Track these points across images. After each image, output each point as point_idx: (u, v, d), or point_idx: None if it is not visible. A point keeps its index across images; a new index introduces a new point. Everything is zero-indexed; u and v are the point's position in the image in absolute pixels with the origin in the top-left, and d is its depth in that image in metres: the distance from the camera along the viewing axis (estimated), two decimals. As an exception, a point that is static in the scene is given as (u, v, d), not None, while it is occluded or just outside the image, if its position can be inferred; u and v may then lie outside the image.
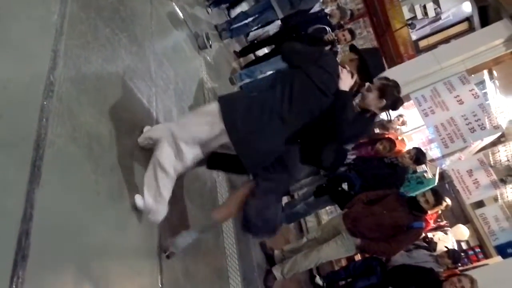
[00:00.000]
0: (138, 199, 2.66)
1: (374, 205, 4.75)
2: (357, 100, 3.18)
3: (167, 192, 2.67)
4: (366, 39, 12.43)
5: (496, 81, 9.96)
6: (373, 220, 4.56)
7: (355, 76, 2.85)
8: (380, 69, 2.99)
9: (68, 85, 2.45)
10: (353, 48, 3.04)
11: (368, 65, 2.85)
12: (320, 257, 4.74)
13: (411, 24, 12.21)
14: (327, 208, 6.97)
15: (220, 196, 4.29)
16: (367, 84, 3.07)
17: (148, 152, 3.01)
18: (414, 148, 5.63)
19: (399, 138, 6.93)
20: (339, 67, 2.81)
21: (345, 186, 5.15)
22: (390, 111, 2.98)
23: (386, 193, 4.87)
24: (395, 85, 3.17)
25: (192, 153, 2.70)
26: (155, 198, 2.64)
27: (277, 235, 5.60)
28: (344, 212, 4.90)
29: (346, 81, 2.77)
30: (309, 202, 5.59)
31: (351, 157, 5.83)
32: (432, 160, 8.84)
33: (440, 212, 6.61)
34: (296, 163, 2.92)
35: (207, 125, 2.66)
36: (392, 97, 3.09)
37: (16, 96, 2.06)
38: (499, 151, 9.63)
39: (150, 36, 4.11)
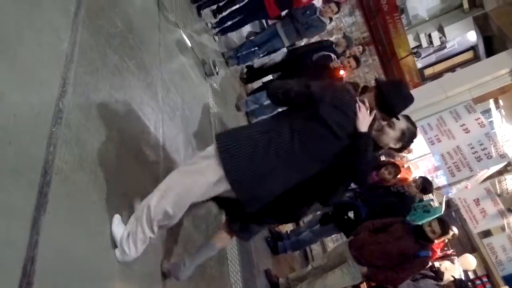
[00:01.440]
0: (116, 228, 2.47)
1: (380, 233, 4.71)
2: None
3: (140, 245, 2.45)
4: (371, 67, 12.53)
5: (502, 110, 9.98)
6: (379, 248, 4.52)
7: (374, 111, 2.54)
8: (404, 101, 2.60)
9: (77, 112, 2.48)
10: (375, 81, 2.77)
11: (386, 96, 2.54)
12: (326, 285, 4.68)
13: (416, 52, 12.32)
14: (332, 235, 6.91)
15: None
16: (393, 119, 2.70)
17: (155, 180, 3.03)
18: (420, 177, 5.61)
19: (405, 166, 6.90)
20: (356, 102, 2.49)
21: (351, 214, 5.12)
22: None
23: (392, 221, 4.83)
24: (415, 133, 2.82)
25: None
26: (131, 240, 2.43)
27: (282, 263, 5.59)
28: (350, 239, 4.86)
29: (364, 120, 2.46)
30: (314, 229, 5.55)
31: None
32: (438, 188, 8.80)
33: (446, 241, 6.54)
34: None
35: (200, 176, 2.41)
36: (408, 143, 2.78)
37: (25, 122, 2.08)
38: (505, 179, 9.59)
39: (158, 63, 4.17)
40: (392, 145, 2.74)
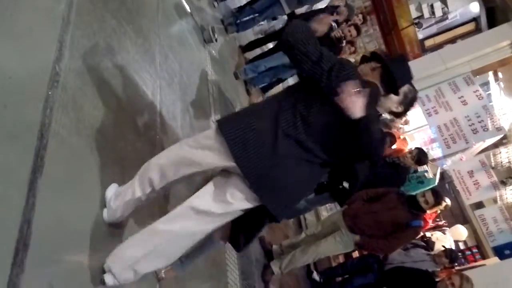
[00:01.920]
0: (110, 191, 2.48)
1: (374, 202, 4.77)
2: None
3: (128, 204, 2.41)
4: (372, 37, 12.40)
5: (501, 83, 9.95)
6: (373, 217, 4.58)
7: (367, 90, 2.21)
8: (407, 78, 2.54)
9: (73, 75, 2.47)
10: (375, 56, 2.62)
11: (393, 73, 2.43)
12: (318, 253, 4.77)
13: (417, 23, 12.16)
14: (326, 205, 6.99)
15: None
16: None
17: (152, 147, 3.05)
18: (416, 148, 5.64)
19: (401, 137, 6.93)
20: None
21: (346, 184, 5.16)
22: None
23: (386, 191, 4.88)
24: (416, 96, 2.69)
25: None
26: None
27: (276, 230, 5.66)
28: (344, 208, 4.92)
29: (354, 106, 2.17)
30: (309, 199, 5.59)
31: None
32: (433, 160, 8.86)
33: (439, 211, 6.63)
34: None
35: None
36: (409, 106, 2.66)
37: (21, 85, 2.07)
38: (500, 152, 9.63)
39: (156, 28, 4.12)
40: (394, 109, 2.62)
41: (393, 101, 2.56)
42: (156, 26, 4.14)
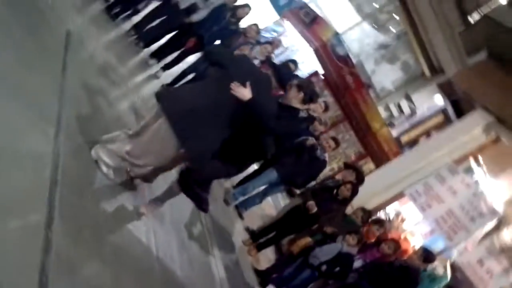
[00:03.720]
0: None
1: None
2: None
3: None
4: (349, 142, 12.65)
5: (484, 166, 10.12)
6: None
7: (248, 83, 3.14)
8: (292, 77, 3.99)
9: (66, 237, 2.38)
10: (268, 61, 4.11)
11: (280, 74, 3.50)
12: None
13: (389, 123, 12.64)
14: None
15: None
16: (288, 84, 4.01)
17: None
18: (421, 247, 5.55)
19: (402, 236, 6.82)
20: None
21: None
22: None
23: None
24: (309, 81, 4.03)
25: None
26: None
27: None
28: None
29: (242, 95, 3.13)
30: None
31: (357, 262, 5.68)
32: (439, 253, 8.66)
33: (459, 309, 6.35)
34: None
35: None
36: (308, 89, 3.93)
37: (17, 252, 1.98)
38: (503, 234, 9.51)
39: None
40: (298, 97, 3.95)
41: (291, 96, 3.99)
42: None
